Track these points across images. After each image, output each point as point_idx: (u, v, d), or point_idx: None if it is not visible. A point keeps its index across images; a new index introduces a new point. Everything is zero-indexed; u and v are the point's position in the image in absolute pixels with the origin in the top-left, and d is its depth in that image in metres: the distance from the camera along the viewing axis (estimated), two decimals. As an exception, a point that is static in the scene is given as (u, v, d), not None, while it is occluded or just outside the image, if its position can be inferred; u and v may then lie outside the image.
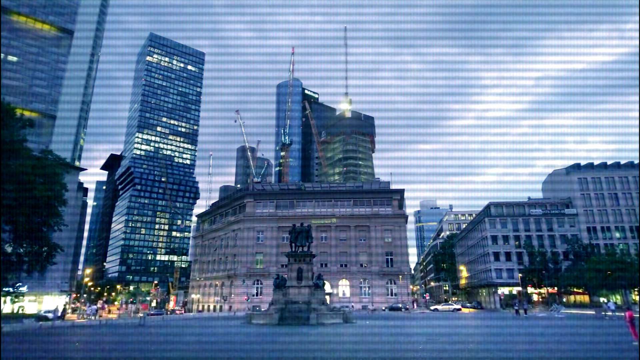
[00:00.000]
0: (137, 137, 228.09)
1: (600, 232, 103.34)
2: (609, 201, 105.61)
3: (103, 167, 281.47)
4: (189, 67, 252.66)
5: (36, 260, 38.86)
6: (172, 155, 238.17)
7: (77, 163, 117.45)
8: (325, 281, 56.86)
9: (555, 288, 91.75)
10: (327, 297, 66.90)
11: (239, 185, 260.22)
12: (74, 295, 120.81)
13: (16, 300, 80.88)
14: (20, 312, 78.60)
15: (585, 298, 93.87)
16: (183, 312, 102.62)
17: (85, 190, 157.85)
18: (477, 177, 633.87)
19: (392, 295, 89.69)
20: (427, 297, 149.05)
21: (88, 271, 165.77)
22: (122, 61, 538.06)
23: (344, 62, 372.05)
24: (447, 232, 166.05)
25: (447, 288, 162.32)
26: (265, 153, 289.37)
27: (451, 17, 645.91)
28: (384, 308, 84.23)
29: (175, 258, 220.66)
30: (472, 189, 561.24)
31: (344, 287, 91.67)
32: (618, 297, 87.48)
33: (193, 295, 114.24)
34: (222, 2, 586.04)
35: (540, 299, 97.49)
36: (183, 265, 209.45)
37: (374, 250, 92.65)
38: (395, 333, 31.52)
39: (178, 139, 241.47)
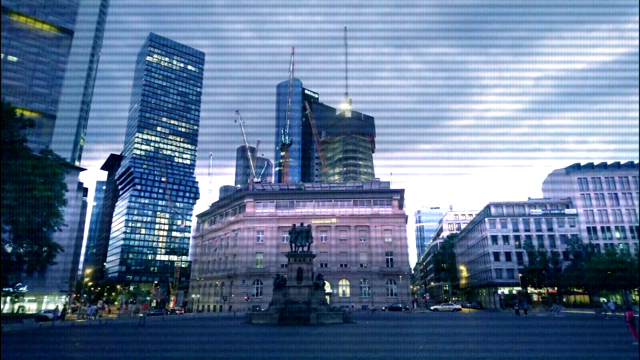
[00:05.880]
0: (137, 137, 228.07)
1: (600, 232, 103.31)
2: (609, 201, 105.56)
3: (103, 167, 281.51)
4: (189, 67, 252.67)
5: (36, 260, 38.91)
6: (172, 155, 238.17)
7: (77, 163, 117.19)
8: (325, 281, 56.94)
9: (555, 288, 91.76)
10: (327, 297, 66.88)
11: (239, 185, 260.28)
12: (74, 295, 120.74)
13: (16, 300, 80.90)
14: (20, 312, 78.60)
15: (585, 298, 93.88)
16: (183, 312, 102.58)
17: (85, 190, 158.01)
18: (477, 177, 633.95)
19: (392, 295, 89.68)
20: (427, 297, 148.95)
21: (88, 271, 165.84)
22: (122, 61, 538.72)
23: (344, 62, 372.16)
24: (447, 232, 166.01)
25: (447, 288, 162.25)
26: (265, 153, 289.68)
27: (451, 17, 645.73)
28: (384, 308, 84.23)
29: (175, 258, 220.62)
30: (472, 189, 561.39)
31: (344, 287, 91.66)
32: (618, 297, 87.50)
33: (193, 295, 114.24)
34: (222, 2, 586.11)
35: (540, 299, 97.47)
36: (183, 265, 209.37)
37: (374, 250, 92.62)
38: (395, 333, 31.53)
39: (178, 139, 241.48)
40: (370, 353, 20.38)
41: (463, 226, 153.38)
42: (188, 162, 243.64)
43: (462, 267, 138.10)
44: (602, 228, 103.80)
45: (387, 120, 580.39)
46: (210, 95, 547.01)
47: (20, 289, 76.10)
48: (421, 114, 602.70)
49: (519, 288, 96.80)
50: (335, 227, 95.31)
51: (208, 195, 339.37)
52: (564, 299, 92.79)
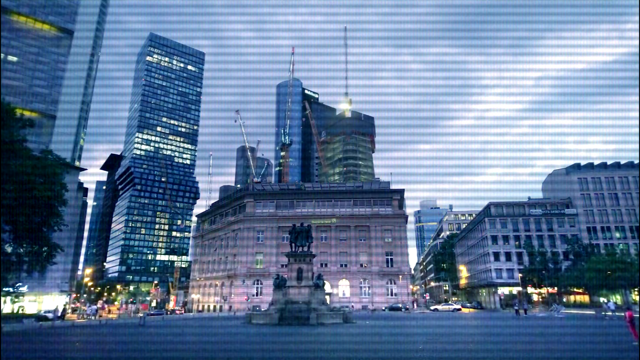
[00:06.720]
0: (137, 137, 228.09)
1: (600, 232, 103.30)
2: (609, 201, 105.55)
3: (103, 167, 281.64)
4: (189, 67, 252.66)
5: (36, 260, 38.81)
6: (172, 155, 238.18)
7: (77, 163, 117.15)
8: (325, 281, 56.85)
9: (555, 288, 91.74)
10: (327, 297, 66.90)
11: (239, 185, 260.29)
12: (74, 295, 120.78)
13: (16, 300, 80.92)
14: (20, 312, 78.55)
15: (585, 298, 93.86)
16: (183, 312, 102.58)
17: (85, 190, 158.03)
18: (477, 177, 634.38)
19: (392, 295, 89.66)
20: (427, 297, 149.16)
21: (88, 271, 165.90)
22: (122, 61, 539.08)
23: (344, 62, 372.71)
24: (447, 232, 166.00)
25: (447, 288, 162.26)
26: (265, 153, 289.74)
27: (451, 17, 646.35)
28: (384, 308, 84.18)
29: (175, 258, 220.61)
30: (472, 189, 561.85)
31: (344, 287, 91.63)
32: (618, 297, 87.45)
33: (193, 295, 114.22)
34: (222, 2, 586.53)
35: (540, 299, 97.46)
36: (183, 265, 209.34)
37: (374, 250, 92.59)
38: (395, 333, 31.52)
39: (178, 139, 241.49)
40: (370, 353, 20.37)
41: (463, 226, 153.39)
42: (188, 162, 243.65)
43: (462, 267, 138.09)
44: (602, 228, 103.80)
45: (387, 120, 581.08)
46: (210, 95, 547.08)
47: (20, 289, 76.14)
48: (421, 114, 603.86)
49: (519, 288, 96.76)
50: (335, 227, 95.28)
51: (208, 195, 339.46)
52: (564, 299, 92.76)
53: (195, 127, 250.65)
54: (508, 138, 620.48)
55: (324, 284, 50.11)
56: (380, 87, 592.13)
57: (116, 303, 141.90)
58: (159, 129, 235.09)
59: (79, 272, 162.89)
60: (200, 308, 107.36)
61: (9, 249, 39.09)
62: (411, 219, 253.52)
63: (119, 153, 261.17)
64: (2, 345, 22.87)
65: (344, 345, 23.63)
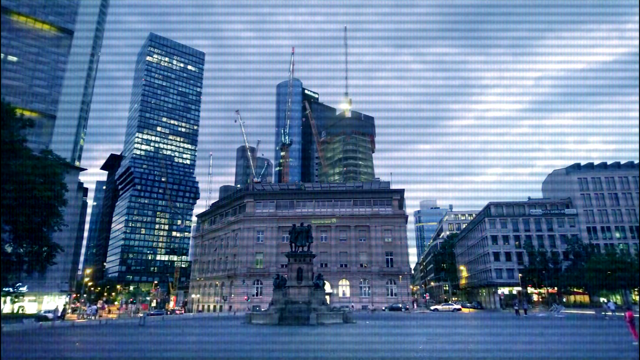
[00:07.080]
0: (137, 137, 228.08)
1: (600, 232, 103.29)
2: (609, 201, 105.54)
3: (103, 167, 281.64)
4: (189, 67, 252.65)
5: (36, 260, 38.84)
6: (172, 155, 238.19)
7: (77, 163, 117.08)
8: (325, 281, 56.90)
9: (555, 288, 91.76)
10: (327, 297, 66.88)
11: (239, 185, 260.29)
12: (74, 295, 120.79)
13: (16, 300, 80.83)
14: (20, 312, 78.53)
15: (585, 298, 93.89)
16: (183, 312, 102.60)
17: (85, 190, 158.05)
18: (477, 177, 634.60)
19: (392, 295, 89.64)
20: (427, 297, 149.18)
21: (88, 271, 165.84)
22: (122, 61, 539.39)
23: (344, 62, 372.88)
24: (447, 232, 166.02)
25: (447, 288, 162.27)
26: (265, 153, 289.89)
27: (451, 17, 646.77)
28: (384, 308, 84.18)
29: (175, 258, 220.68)
30: (472, 189, 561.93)
31: (344, 287, 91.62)
32: (618, 297, 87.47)
33: (193, 295, 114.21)
34: (222, 2, 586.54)
35: (540, 299, 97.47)
36: (183, 265, 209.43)
37: (374, 250, 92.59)
38: (395, 333, 31.51)
39: (178, 139, 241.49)
40: (370, 353, 20.37)
41: (463, 226, 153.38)
42: (188, 162, 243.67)
43: (462, 267, 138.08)
44: (602, 228, 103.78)
45: (387, 120, 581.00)
46: (210, 95, 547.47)
47: (20, 289, 76.05)
48: (421, 114, 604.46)
49: (519, 288, 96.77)
50: (335, 227, 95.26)
51: (208, 195, 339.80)
52: (564, 299, 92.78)
53: (195, 127, 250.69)
54: (508, 138, 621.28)
55: (324, 284, 50.12)
56: (380, 87, 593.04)
57: (116, 303, 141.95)
58: (159, 129, 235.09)
59: (79, 272, 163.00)
60: (200, 308, 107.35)
61: (9, 249, 39.12)
62: (411, 219, 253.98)
63: (119, 153, 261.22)
64: (2, 345, 22.86)
65: (344, 345, 23.63)
